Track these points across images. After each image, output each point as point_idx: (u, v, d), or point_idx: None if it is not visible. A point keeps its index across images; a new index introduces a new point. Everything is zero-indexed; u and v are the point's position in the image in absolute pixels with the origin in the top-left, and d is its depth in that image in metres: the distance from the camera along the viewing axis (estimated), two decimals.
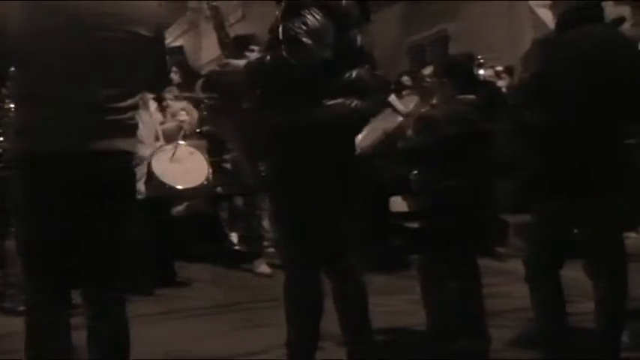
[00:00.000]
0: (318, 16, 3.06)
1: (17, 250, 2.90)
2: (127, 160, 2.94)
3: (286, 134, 3.20)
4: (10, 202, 2.84)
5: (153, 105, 6.40)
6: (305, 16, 3.06)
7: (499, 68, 7.43)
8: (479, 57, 6.91)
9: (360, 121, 3.32)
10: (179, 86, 7.48)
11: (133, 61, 2.84)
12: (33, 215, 2.77)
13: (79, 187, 2.72)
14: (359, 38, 3.23)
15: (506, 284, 5.39)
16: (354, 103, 3.19)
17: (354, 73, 3.21)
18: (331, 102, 3.15)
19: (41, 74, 2.74)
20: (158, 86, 3.44)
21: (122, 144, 2.87)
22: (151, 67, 2.96)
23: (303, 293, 3.33)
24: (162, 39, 3.07)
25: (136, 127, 3.03)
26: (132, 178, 3.00)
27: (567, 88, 3.28)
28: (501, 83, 7.34)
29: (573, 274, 3.58)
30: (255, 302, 5.42)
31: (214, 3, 3.80)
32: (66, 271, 2.80)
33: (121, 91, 2.84)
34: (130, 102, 2.89)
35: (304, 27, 3.05)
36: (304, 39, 3.03)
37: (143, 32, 2.85)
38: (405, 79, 7.54)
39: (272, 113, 3.25)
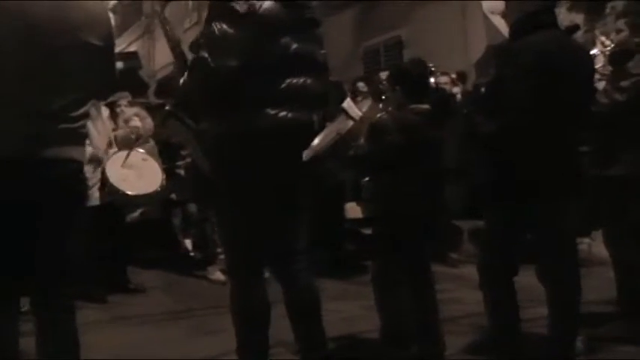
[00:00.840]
0: (220, 26, 3.08)
1: None
2: (76, 169, 2.90)
3: (224, 141, 3.18)
4: None
5: (105, 112, 6.32)
6: (210, 27, 3.11)
7: (453, 75, 7.52)
8: (431, 64, 6.98)
9: (303, 128, 3.29)
10: (132, 92, 7.41)
11: (84, 69, 2.83)
12: None
13: (25, 193, 2.69)
14: (295, 45, 3.21)
15: (459, 290, 5.42)
16: (293, 112, 3.17)
17: (294, 81, 3.19)
18: (271, 111, 3.12)
19: None
20: (105, 94, 3.42)
21: (71, 152, 2.85)
22: (100, 75, 2.95)
23: (247, 300, 3.29)
24: (111, 47, 3.04)
25: (85, 135, 3.03)
26: (79, 186, 2.96)
27: (520, 94, 3.30)
28: (455, 90, 7.43)
29: (526, 280, 3.59)
30: (208, 309, 5.36)
31: (164, 12, 3.78)
32: (12, 278, 2.77)
33: (72, 100, 2.82)
34: (81, 111, 2.88)
35: (202, 40, 3.14)
36: (201, 52, 3.10)
37: (93, 40, 2.84)
38: (361, 85, 7.55)
39: (213, 121, 3.23)
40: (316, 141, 3.53)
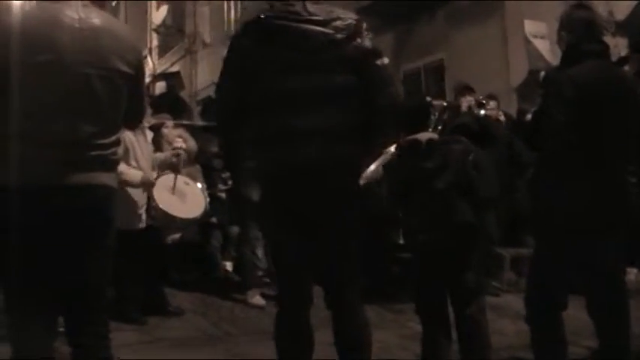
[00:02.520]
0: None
1: None
2: (106, 195, 2.90)
3: (275, 168, 3.16)
4: None
5: (149, 134, 6.37)
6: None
7: (481, 97, 7.38)
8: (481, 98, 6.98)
9: (354, 157, 3.25)
10: (172, 113, 7.48)
11: (114, 96, 2.86)
12: (10, 246, 2.71)
13: (55, 220, 2.71)
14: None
15: (499, 320, 5.30)
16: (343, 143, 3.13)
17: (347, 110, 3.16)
18: (322, 140, 3.09)
19: (21, 108, 2.72)
20: (134, 123, 3.46)
21: (102, 178, 2.85)
22: (130, 102, 2.96)
23: (292, 328, 3.26)
24: (141, 74, 3.07)
25: (117, 162, 3.04)
26: (109, 212, 2.94)
27: (560, 126, 3.25)
28: (492, 112, 7.30)
29: (575, 313, 3.51)
30: (244, 334, 5.36)
31: None
32: (47, 302, 2.79)
33: (103, 127, 2.84)
34: (112, 138, 2.90)
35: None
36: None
37: (123, 68, 2.87)
38: None
39: (262, 147, 3.21)
40: (372, 167, 3.51)
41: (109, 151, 2.88)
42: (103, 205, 2.88)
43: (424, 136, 3.95)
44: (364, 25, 3.19)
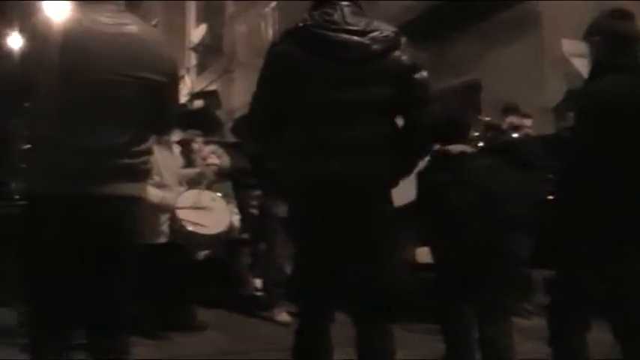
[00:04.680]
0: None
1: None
2: (134, 205, 2.89)
3: (305, 185, 3.11)
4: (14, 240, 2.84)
5: (177, 149, 6.39)
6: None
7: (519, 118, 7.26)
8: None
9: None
10: (204, 130, 7.50)
11: (146, 106, 2.84)
12: (35, 256, 2.76)
13: (82, 230, 2.71)
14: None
15: (524, 343, 5.13)
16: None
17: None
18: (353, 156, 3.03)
19: (52, 115, 2.72)
20: (163, 132, 3.43)
21: (131, 189, 2.85)
22: (159, 111, 2.95)
23: (311, 343, 3.20)
24: (174, 84, 3.04)
25: (148, 172, 3.01)
26: (136, 223, 2.93)
27: (582, 141, 3.17)
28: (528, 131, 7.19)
29: (600, 335, 3.41)
30: (262, 351, 5.29)
31: None
32: (63, 314, 2.78)
33: (133, 136, 2.82)
34: (142, 147, 2.88)
35: None
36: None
37: (155, 77, 2.84)
38: None
39: (293, 163, 3.16)
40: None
41: (140, 160, 2.87)
42: (127, 218, 2.86)
43: (456, 148, 3.88)
44: (403, 39, 3.14)
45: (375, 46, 3.05)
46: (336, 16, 3.09)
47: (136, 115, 2.82)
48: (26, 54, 2.84)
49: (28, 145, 2.93)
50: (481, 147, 5.38)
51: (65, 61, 2.69)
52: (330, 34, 3.06)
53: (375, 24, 3.12)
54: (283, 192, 3.36)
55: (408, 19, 10.47)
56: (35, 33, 2.83)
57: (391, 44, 3.08)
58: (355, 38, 3.05)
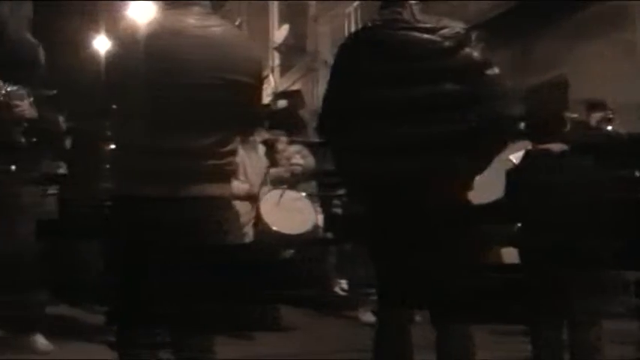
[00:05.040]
0: None
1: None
2: (220, 206, 2.92)
3: (378, 183, 3.12)
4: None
5: (261, 149, 6.44)
6: None
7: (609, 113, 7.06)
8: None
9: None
10: (288, 130, 7.54)
11: (231, 106, 2.85)
12: (121, 256, 2.83)
13: (168, 231, 2.74)
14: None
15: (619, 347, 4.94)
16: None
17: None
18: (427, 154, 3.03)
19: (138, 117, 2.77)
20: (248, 133, 3.45)
21: (217, 189, 2.87)
22: (247, 112, 2.97)
23: (391, 344, 3.21)
24: (260, 85, 3.06)
25: (232, 173, 3.04)
26: (221, 224, 2.95)
27: None
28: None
29: None
30: (347, 351, 5.25)
31: None
32: (152, 313, 2.83)
33: (220, 136, 2.84)
34: (228, 147, 2.90)
35: None
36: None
37: (241, 78, 2.85)
38: None
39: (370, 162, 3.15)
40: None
41: (224, 161, 2.89)
42: (213, 218, 2.89)
43: (557, 147, 3.79)
44: (474, 35, 3.11)
45: (446, 43, 3.04)
46: (406, 15, 3.09)
47: (222, 117, 2.83)
48: (114, 56, 2.90)
49: (114, 147, 2.98)
50: (577, 145, 5.25)
51: (153, 64, 2.73)
52: (400, 32, 3.07)
53: (445, 21, 3.12)
54: (358, 193, 3.34)
55: (491, 16, 10.34)
56: (123, 35, 2.89)
57: (462, 41, 3.07)
58: (426, 36, 3.05)
